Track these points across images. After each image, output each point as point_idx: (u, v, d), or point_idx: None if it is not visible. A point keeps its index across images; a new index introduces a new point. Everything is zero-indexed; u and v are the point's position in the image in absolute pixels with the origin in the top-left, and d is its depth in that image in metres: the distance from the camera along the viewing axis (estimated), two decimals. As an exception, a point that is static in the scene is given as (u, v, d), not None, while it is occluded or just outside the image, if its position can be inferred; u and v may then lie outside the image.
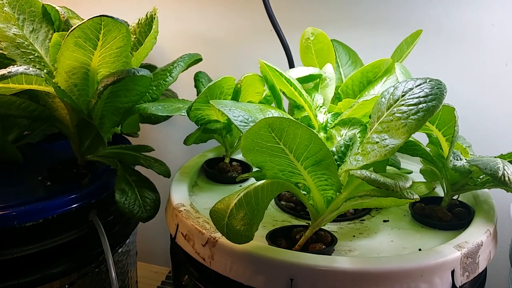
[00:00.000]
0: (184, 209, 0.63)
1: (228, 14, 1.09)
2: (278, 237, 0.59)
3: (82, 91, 0.74)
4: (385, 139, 0.51)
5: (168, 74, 0.82)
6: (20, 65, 0.72)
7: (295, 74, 0.74)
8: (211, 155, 0.85)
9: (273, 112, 0.65)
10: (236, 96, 0.70)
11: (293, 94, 0.70)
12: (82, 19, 0.97)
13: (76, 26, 0.64)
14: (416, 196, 0.50)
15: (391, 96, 0.54)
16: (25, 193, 0.74)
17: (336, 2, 0.99)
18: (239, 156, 0.86)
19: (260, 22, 1.07)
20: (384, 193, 0.49)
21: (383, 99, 0.54)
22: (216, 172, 0.78)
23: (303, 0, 1.01)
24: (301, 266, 0.51)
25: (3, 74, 0.61)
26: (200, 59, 0.91)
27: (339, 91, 0.78)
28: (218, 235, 0.57)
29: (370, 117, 0.63)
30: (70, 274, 0.76)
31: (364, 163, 0.51)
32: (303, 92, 0.67)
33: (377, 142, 0.51)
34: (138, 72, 0.67)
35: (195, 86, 0.87)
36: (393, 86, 0.55)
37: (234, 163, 0.81)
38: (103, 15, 0.65)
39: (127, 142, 0.94)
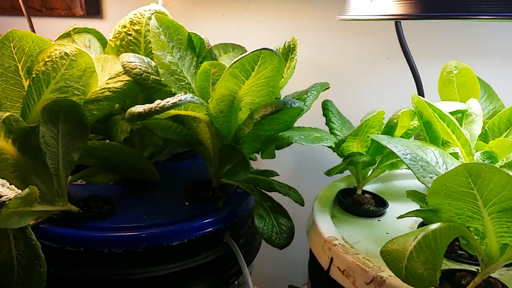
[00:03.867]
0: (339, 243, 0.63)
1: (344, 42, 1.10)
2: (441, 280, 0.58)
3: (226, 117, 0.77)
4: None
5: (303, 102, 0.83)
6: (175, 92, 0.77)
7: (443, 109, 0.72)
8: (342, 185, 0.84)
9: (433, 150, 0.63)
10: (390, 130, 0.69)
11: (445, 130, 0.68)
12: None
13: (239, 59, 0.67)
14: None
15: None
16: (168, 213, 0.77)
17: (463, 35, 0.97)
18: (369, 188, 0.85)
19: (376, 50, 1.07)
20: None
21: None
22: (350, 203, 0.78)
23: (429, 32, 1.00)
24: (482, 316, 0.49)
25: (175, 102, 0.64)
26: (328, 87, 0.91)
27: (486, 128, 0.75)
28: (384, 274, 0.56)
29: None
30: (205, 293, 0.78)
31: (559, 214, 0.48)
32: (462, 130, 0.65)
33: None
34: (295, 104, 0.68)
35: (324, 115, 0.87)
36: None
37: (366, 195, 0.81)
38: (264, 48, 0.67)
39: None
